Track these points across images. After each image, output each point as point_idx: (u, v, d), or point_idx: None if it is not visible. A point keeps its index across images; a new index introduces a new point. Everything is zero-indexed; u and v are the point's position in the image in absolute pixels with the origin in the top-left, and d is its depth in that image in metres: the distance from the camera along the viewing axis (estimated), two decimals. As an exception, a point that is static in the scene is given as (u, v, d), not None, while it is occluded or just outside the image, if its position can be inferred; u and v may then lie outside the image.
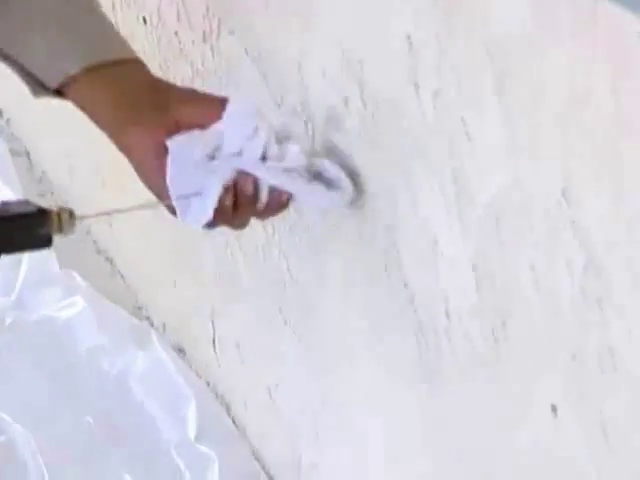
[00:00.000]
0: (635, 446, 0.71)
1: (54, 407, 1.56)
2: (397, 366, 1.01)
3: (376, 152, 0.94)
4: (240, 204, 0.88)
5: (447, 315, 0.89)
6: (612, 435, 0.73)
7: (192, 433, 1.49)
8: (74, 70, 0.88)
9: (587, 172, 0.68)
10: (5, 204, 0.88)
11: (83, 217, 0.90)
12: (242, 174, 0.88)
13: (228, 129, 0.89)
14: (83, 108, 0.92)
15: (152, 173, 0.89)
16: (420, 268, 0.92)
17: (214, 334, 1.50)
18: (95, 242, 1.83)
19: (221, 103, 0.89)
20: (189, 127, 0.88)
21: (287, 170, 0.88)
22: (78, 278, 1.74)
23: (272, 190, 0.89)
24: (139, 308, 1.76)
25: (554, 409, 0.78)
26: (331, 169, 0.92)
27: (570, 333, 0.74)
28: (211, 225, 0.90)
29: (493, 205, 0.79)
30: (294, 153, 0.90)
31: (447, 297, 0.88)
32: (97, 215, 1.01)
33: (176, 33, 1.32)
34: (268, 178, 0.88)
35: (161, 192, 0.89)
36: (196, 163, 0.87)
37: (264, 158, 0.89)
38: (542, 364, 0.79)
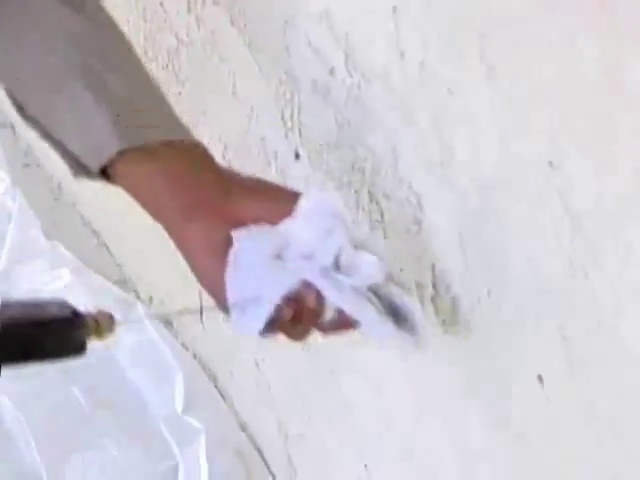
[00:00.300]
0: (621, 413, 0.71)
1: (41, 379, 1.56)
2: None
3: (366, 120, 0.93)
4: (301, 316, 0.76)
5: (434, 284, 0.89)
6: (600, 404, 0.73)
7: (179, 405, 1.50)
8: (118, 148, 0.75)
9: (575, 141, 0.68)
10: (37, 305, 0.76)
11: (122, 323, 0.79)
12: (307, 284, 0.76)
13: (300, 227, 0.78)
14: (132, 194, 0.79)
15: (210, 271, 0.77)
16: (405, 237, 0.92)
17: (201, 307, 1.50)
18: (81, 215, 1.82)
19: (293, 197, 0.78)
20: (255, 222, 0.77)
21: (357, 289, 0.77)
22: (64, 251, 1.74)
23: (339, 310, 0.77)
24: (125, 281, 1.75)
25: (540, 379, 0.79)
26: (407, 305, 0.80)
27: (557, 302, 0.74)
28: (266, 333, 0.77)
29: (480, 174, 0.79)
30: (370, 265, 0.77)
31: (434, 265, 0.88)
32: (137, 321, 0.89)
33: (161, 4, 1.31)
34: (335, 299, 0.76)
35: (218, 292, 0.77)
36: (261, 263, 0.77)
37: (337, 265, 0.77)
38: (528, 333, 0.79)
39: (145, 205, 0.79)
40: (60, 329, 0.74)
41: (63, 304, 0.76)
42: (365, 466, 1.17)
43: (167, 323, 1.65)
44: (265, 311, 0.74)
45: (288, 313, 0.75)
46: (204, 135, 1.26)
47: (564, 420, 0.78)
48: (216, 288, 0.77)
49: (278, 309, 0.74)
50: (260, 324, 0.74)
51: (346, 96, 0.95)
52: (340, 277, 0.76)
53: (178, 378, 1.51)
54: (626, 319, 0.68)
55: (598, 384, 0.73)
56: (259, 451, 1.50)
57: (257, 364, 1.39)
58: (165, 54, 1.12)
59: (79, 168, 0.79)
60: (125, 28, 0.94)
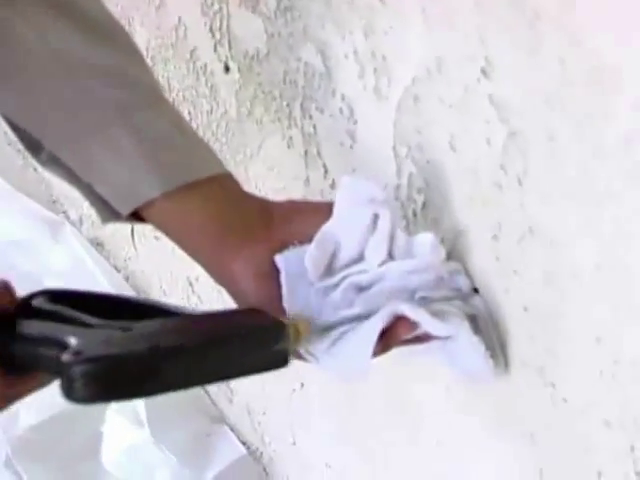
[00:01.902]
0: (551, 313, 0.71)
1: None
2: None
3: (297, 31, 0.91)
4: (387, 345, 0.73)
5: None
6: (532, 311, 0.73)
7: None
8: (161, 191, 0.70)
9: (505, 47, 0.66)
10: (229, 317, 0.70)
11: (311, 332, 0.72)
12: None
13: (341, 228, 0.73)
14: (169, 232, 0.75)
15: (267, 301, 0.73)
16: (339, 151, 0.91)
17: (132, 227, 1.47)
18: (6, 133, 1.77)
19: (328, 208, 0.75)
20: (301, 242, 0.74)
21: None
22: (-10, 172, 1.70)
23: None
24: (54, 202, 1.72)
25: (475, 290, 0.79)
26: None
27: (490, 210, 0.74)
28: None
29: (413, 83, 0.77)
30: (427, 245, 0.72)
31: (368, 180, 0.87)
32: None
33: None
34: (430, 327, 0.70)
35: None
36: (309, 287, 0.73)
37: (391, 255, 0.72)
38: (463, 243, 0.79)
39: (182, 243, 0.75)
40: (262, 340, 0.67)
41: (258, 313, 0.70)
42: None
43: (98, 245, 1.63)
44: (369, 349, 0.69)
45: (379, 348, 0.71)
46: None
47: (496, 322, 0.78)
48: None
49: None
50: (365, 363, 0.69)
51: (276, 6, 0.92)
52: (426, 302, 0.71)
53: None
54: (557, 225, 0.67)
55: (531, 292, 0.73)
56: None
57: (191, 283, 1.38)
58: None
59: (110, 213, 0.74)
60: None
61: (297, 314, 0.71)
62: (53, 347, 0.62)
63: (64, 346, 0.60)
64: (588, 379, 0.70)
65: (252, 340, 0.66)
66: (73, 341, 0.61)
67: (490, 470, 0.87)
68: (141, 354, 0.59)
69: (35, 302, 0.71)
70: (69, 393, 0.57)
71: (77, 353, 0.58)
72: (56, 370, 0.59)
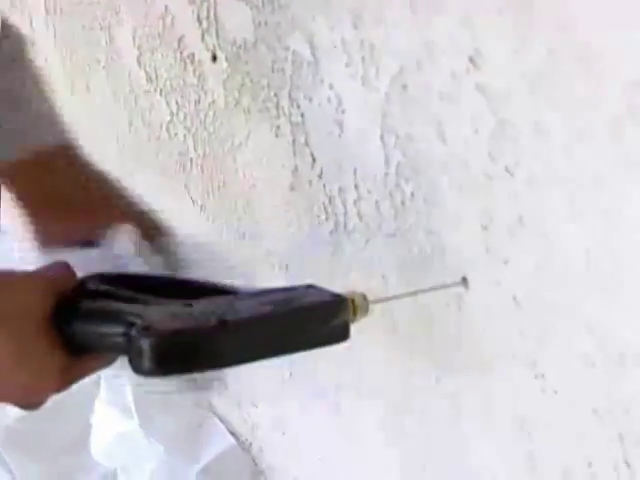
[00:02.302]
0: (541, 304, 0.71)
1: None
2: (306, 227, 0.99)
3: (285, 19, 0.91)
4: None
5: (356, 187, 0.87)
6: (522, 300, 0.73)
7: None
8: None
9: (494, 35, 0.66)
10: (289, 292, 0.70)
11: (377, 301, 0.75)
12: None
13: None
14: None
15: None
16: (327, 141, 0.90)
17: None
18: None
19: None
20: None
21: None
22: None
23: None
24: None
25: (464, 281, 0.79)
26: None
27: (479, 200, 0.73)
28: None
29: (400, 72, 0.77)
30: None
31: (356, 169, 0.87)
32: (388, 299, 0.82)
33: None
34: None
35: None
36: None
37: None
38: (450, 233, 0.78)
39: None
40: (324, 315, 0.69)
41: (314, 288, 0.72)
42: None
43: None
44: None
45: None
46: (117, 37, 1.22)
47: (486, 314, 0.78)
48: None
49: None
50: None
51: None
52: None
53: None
54: (547, 214, 0.67)
55: (520, 281, 0.73)
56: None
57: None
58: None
59: None
60: None
61: (354, 292, 0.72)
62: (117, 324, 0.63)
63: (129, 323, 0.61)
64: (578, 370, 0.69)
65: (316, 313, 0.68)
66: (139, 318, 0.62)
67: (480, 461, 0.86)
68: (210, 327, 0.60)
69: (90, 284, 0.72)
70: (140, 366, 0.58)
71: (146, 328, 0.59)
72: (123, 347, 0.60)
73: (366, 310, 0.73)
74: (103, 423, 1.49)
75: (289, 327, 0.66)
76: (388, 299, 0.79)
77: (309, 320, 0.68)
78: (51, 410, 1.49)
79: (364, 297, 0.72)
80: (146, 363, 0.58)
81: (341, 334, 0.69)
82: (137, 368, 0.59)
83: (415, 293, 0.80)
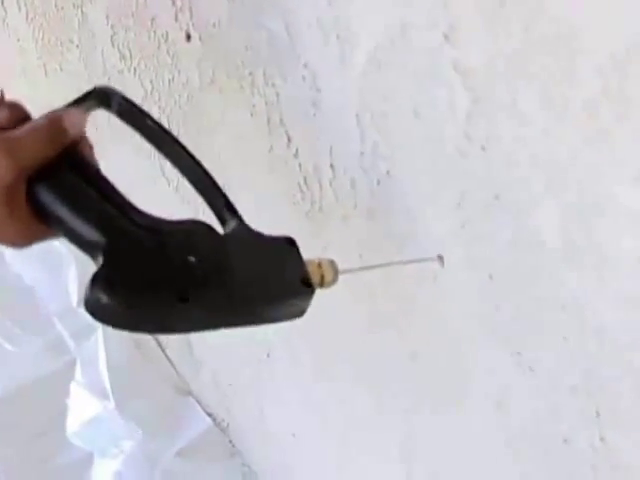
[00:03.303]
0: (517, 281, 0.71)
1: None
2: (282, 210, 0.99)
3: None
4: None
5: (332, 166, 0.87)
6: (497, 276, 0.73)
7: (74, 299, 1.47)
8: None
9: (469, 12, 0.66)
10: (266, 256, 0.69)
11: (346, 270, 0.71)
12: None
13: None
14: None
15: None
16: (302, 120, 0.90)
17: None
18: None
19: None
20: None
21: None
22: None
23: None
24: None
25: (440, 258, 0.78)
26: None
27: (455, 178, 0.73)
28: None
29: (377, 50, 0.76)
30: None
31: (331, 148, 0.87)
32: (360, 269, 0.79)
33: None
34: None
35: None
36: None
37: None
38: (426, 211, 0.78)
39: None
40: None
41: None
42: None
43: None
44: None
45: None
46: (90, 16, 1.21)
47: (462, 291, 0.78)
48: None
49: None
50: None
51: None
52: None
53: (71, 270, 1.47)
54: (522, 191, 0.67)
55: (497, 257, 0.73)
56: (157, 341, 1.49)
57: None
58: None
59: None
60: None
61: (323, 258, 0.70)
62: (88, 229, 0.61)
63: (99, 238, 0.60)
64: (554, 347, 0.70)
65: (276, 302, 0.66)
66: (112, 234, 0.61)
67: (459, 440, 0.87)
68: (168, 304, 0.60)
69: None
70: (91, 310, 0.58)
71: (108, 280, 0.58)
72: (87, 253, 0.60)
73: (334, 277, 0.70)
74: (79, 406, 1.49)
75: (248, 311, 0.66)
76: (359, 269, 0.78)
77: (269, 309, 0.66)
78: (26, 394, 1.49)
79: (332, 263, 0.70)
80: (98, 313, 0.58)
81: (297, 313, 0.68)
82: (87, 308, 0.59)
83: (387, 265, 0.80)
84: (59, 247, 1.50)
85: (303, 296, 0.67)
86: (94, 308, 0.59)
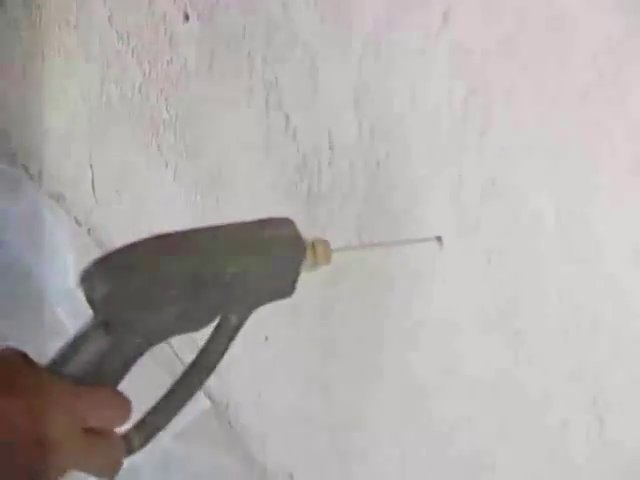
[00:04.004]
0: (514, 265, 0.71)
1: None
2: (281, 192, 0.99)
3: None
4: None
5: (331, 147, 0.87)
6: (495, 264, 0.73)
7: (72, 282, 1.46)
8: None
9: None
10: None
11: (340, 249, 0.71)
12: None
13: None
14: None
15: None
16: (301, 102, 0.90)
17: (93, 178, 1.46)
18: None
19: None
20: None
21: None
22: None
23: None
24: (13, 155, 1.69)
25: (439, 239, 0.78)
26: None
27: (453, 162, 0.73)
28: None
29: (375, 30, 0.76)
30: None
31: (330, 130, 0.86)
32: (352, 248, 0.81)
33: None
34: None
35: None
36: None
37: None
38: (424, 194, 0.78)
39: None
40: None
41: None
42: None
43: (59, 198, 1.61)
44: None
45: None
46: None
47: (461, 271, 0.78)
48: None
49: None
50: None
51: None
52: None
53: (70, 254, 1.47)
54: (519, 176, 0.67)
55: (494, 241, 0.73)
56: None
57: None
58: None
59: None
60: None
61: (317, 237, 0.69)
62: None
63: None
64: (551, 334, 0.69)
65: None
66: None
67: (453, 424, 0.87)
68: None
69: None
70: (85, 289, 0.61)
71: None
72: None
73: (328, 257, 0.70)
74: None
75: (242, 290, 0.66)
76: (352, 248, 0.78)
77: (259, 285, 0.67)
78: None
79: (326, 244, 0.70)
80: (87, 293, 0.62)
81: (288, 290, 0.68)
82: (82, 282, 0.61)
83: (384, 245, 0.80)
84: (60, 233, 1.50)
85: (295, 252, 0.67)
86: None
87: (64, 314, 1.45)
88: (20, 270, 1.53)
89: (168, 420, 0.70)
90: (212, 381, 1.37)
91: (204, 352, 0.71)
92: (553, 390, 0.72)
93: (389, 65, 0.76)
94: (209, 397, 1.44)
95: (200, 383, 0.72)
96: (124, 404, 0.66)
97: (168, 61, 1.10)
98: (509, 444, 0.79)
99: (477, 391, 0.81)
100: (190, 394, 0.72)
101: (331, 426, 1.10)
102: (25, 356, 0.61)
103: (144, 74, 1.17)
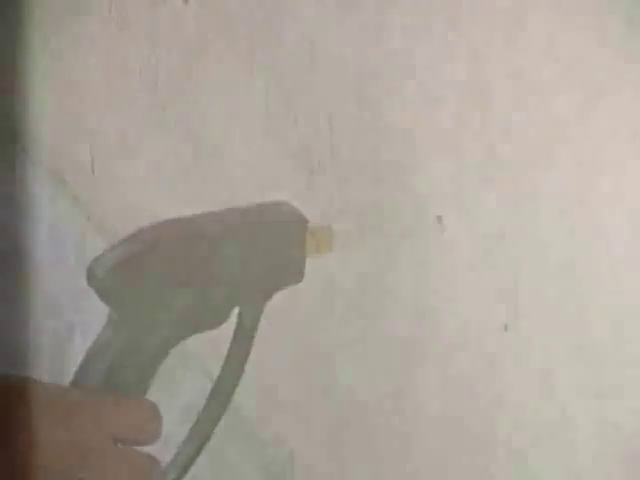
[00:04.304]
0: (516, 241, 0.71)
1: None
2: (281, 174, 0.99)
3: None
4: None
5: (331, 131, 0.87)
6: (495, 240, 0.73)
7: (71, 266, 1.47)
8: None
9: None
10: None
11: (342, 231, 0.73)
12: None
13: None
14: None
15: None
16: (301, 84, 0.90)
17: (92, 160, 1.45)
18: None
19: None
20: None
21: None
22: None
23: None
24: (12, 135, 1.69)
25: (439, 220, 0.78)
26: None
27: (453, 140, 0.73)
28: None
29: (376, 8, 0.76)
30: None
31: (331, 113, 0.86)
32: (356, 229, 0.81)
33: None
34: None
35: None
36: None
37: None
38: (425, 173, 0.78)
39: None
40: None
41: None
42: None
43: (58, 181, 1.60)
44: None
45: None
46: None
47: (460, 250, 0.78)
48: None
49: None
50: None
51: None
52: None
53: (69, 238, 1.47)
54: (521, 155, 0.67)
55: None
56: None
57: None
58: None
59: None
60: None
61: (317, 224, 0.70)
62: None
63: None
64: (550, 308, 0.70)
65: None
66: None
67: (452, 395, 0.87)
68: None
69: None
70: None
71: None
72: None
73: (328, 243, 0.71)
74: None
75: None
76: (355, 229, 0.79)
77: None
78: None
79: (328, 230, 0.71)
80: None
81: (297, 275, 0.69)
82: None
83: (381, 227, 0.81)
84: (60, 216, 1.50)
85: (298, 236, 0.68)
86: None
87: (62, 298, 1.46)
88: (16, 253, 1.53)
89: (202, 447, 0.71)
90: (211, 360, 1.38)
91: (227, 362, 0.71)
92: (553, 369, 0.72)
93: (390, 43, 0.76)
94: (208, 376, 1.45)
95: (228, 398, 0.73)
96: (150, 410, 0.66)
97: (167, 43, 1.10)
98: (508, 414, 0.79)
99: (472, 367, 0.81)
100: (221, 412, 0.72)
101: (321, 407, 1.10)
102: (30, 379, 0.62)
103: (143, 57, 1.17)
